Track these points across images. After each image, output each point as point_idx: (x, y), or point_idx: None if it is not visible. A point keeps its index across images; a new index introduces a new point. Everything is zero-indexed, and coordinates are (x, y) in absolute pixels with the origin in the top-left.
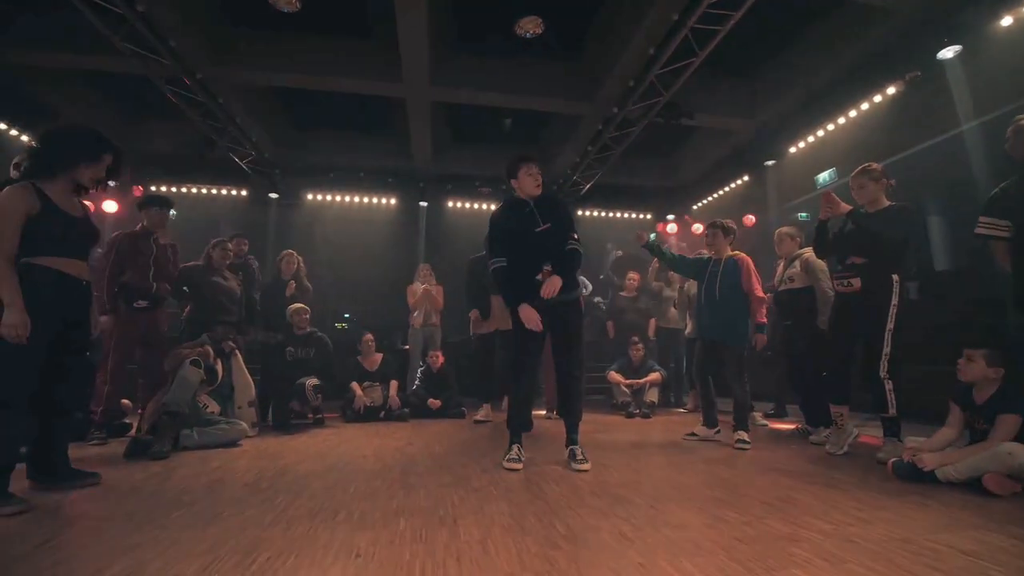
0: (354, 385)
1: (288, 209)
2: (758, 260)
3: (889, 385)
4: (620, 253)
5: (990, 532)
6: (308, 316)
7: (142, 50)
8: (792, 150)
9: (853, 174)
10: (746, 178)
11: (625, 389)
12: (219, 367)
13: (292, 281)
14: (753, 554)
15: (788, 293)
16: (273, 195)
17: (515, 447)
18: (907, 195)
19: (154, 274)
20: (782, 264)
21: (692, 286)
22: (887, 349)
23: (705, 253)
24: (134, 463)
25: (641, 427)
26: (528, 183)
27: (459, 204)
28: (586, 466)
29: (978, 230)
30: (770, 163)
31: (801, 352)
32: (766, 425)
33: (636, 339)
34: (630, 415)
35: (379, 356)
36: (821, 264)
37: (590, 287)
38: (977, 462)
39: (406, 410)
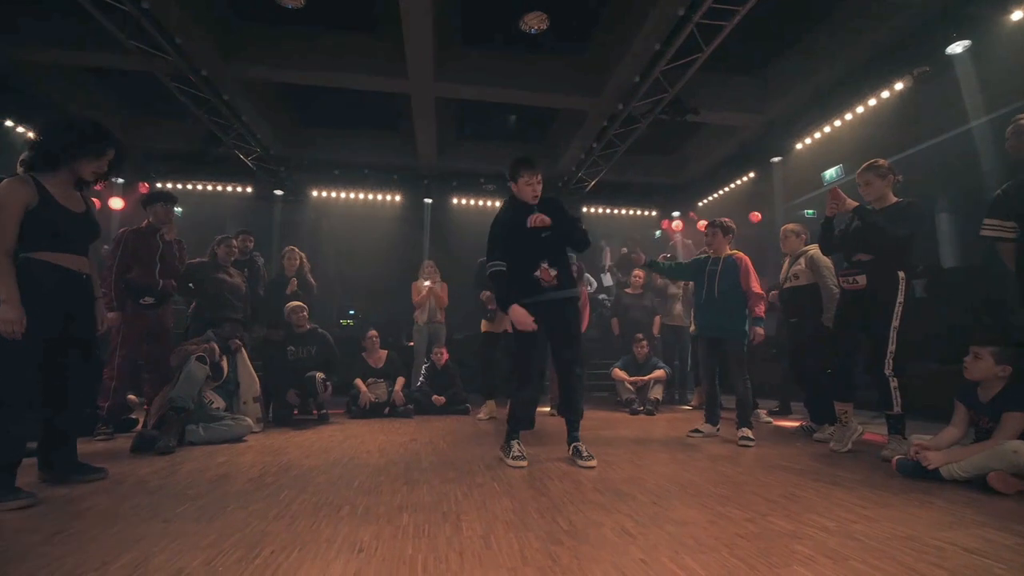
0: (358, 381)
1: (293, 206)
2: (764, 257)
3: (894, 383)
4: (625, 250)
5: (994, 530)
6: (306, 314)
7: (148, 47)
8: (799, 146)
9: (860, 170)
10: (752, 175)
11: (629, 386)
12: (224, 364)
13: (294, 279)
14: (756, 551)
15: (793, 291)
16: (278, 192)
17: (515, 444)
18: (915, 192)
19: (160, 270)
20: (787, 261)
21: None
22: (892, 347)
23: (706, 251)
24: (140, 458)
25: (645, 424)
26: (527, 192)
27: (464, 201)
28: (592, 463)
29: (983, 232)
30: (776, 160)
31: (806, 349)
32: (770, 422)
33: (640, 336)
34: (634, 412)
35: (384, 353)
36: (826, 261)
37: (595, 284)
38: (982, 460)
39: (410, 406)
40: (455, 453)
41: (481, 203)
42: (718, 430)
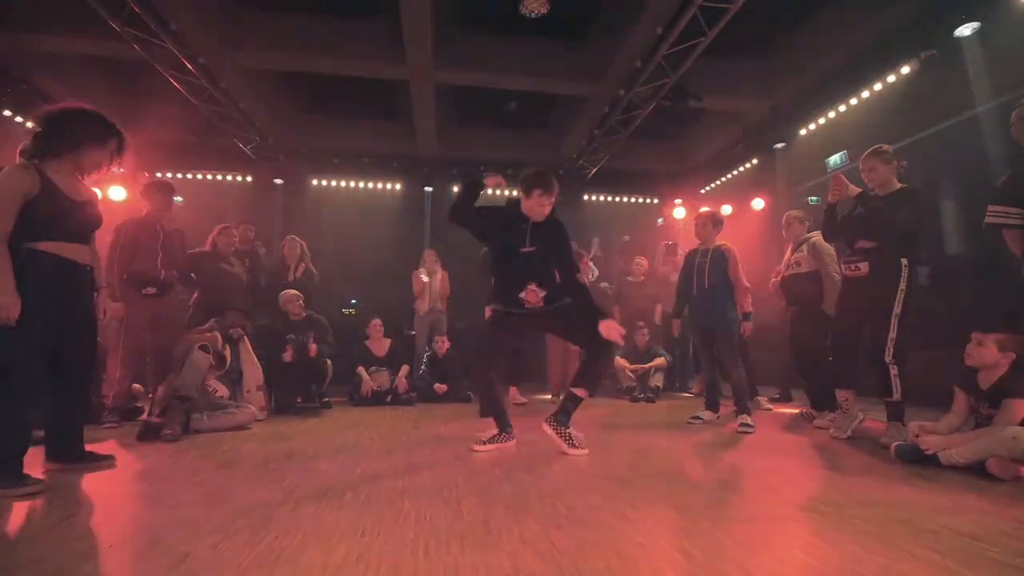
0: (361, 370)
1: (293, 195)
2: (766, 244)
3: (894, 370)
4: (627, 238)
5: (991, 515)
6: (302, 302)
7: (143, 34)
8: (802, 132)
9: (863, 156)
10: (755, 161)
11: (630, 374)
12: (227, 353)
13: (301, 263)
14: (753, 535)
15: (795, 277)
16: (278, 181)
17: (504, 433)
18: (920, 178)
19: (162, 260)
20: (790, 248)
21: None
22: (893, 334)
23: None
24: (146, 445)
25: (646, 411)
26: (535, 210)
27: None
28: (574, 451)
29: (988, 219)
30: (780, 146)
31: (807, 337)
32: (771, 409)
33: (641, 324)
34: (635, 399)
35: (388, 342)
36: (829, 248)
37: (596, 272)
38: (981, 446)
39: (413, 394)
40: (456, 440)
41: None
42: (718, 417)
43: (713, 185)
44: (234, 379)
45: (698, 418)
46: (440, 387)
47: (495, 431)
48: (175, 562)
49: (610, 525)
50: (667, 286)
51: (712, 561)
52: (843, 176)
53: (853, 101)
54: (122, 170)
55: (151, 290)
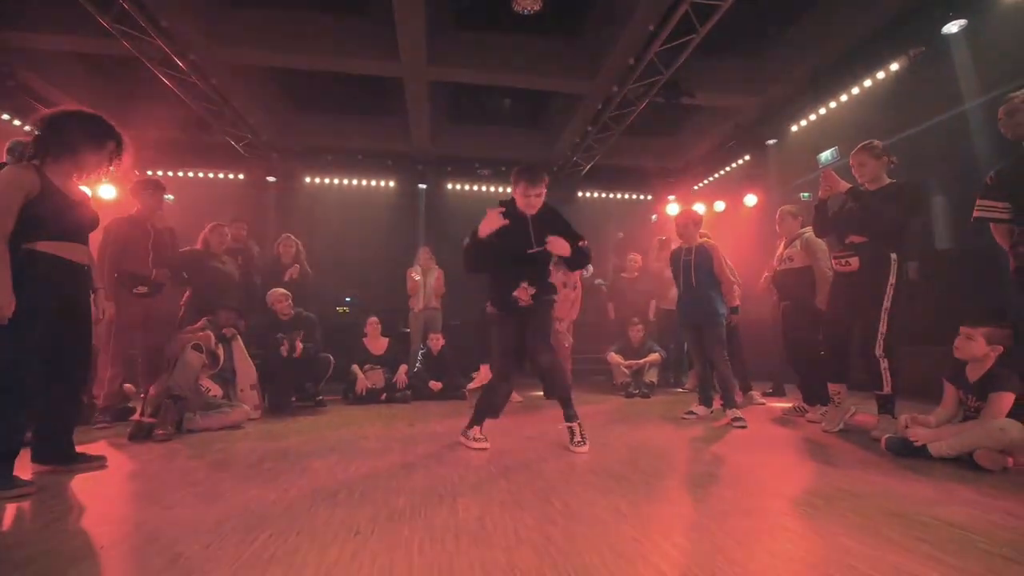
0: (355, 368)
1: (286, 192)
2: (758, 239)
3: (884, 363)
4: (622, 235)
5: (980, 506)
6: (291, 301)
7: (132, 31)
8: (794, 129)
9: (854, 152)
10: (747, 157)
11: (625, 370)
12: (220, 352)
13: (296, 265)
14: (746, 528)
15: (787, 272)
16: (271, 178)
17: (477, 429)
18: (909, 173)
19: (153, 259)
20: (783, 243)
21: None
22: (883, 328)
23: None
24: (138, 446)
25: (640, 407)
26: (521, 202)
27: (459, 186)
28: (583, 448)
29: (976, 213)
30: (772, 142)
31: (799, 331)
32: (764, 403)
33: (636, 320)
34: (630, 395)
35: (386, 341)
36: (822, 244)
37: (591, 268)
38: (969, 438)
39: (407, 392)
40: (451, 437)
41: (476, 188)
42: (711, 412)
43: (706, 181)
44: (227, 378)
45: (692, 413)
46: (435, 384)
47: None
48: (168, 563)
49: (605, 520)
50: (661, 282)
51: (705, 555)
52: (833, 172)
53: (844, 97)
54: (114, 169)
55: (142, 289)
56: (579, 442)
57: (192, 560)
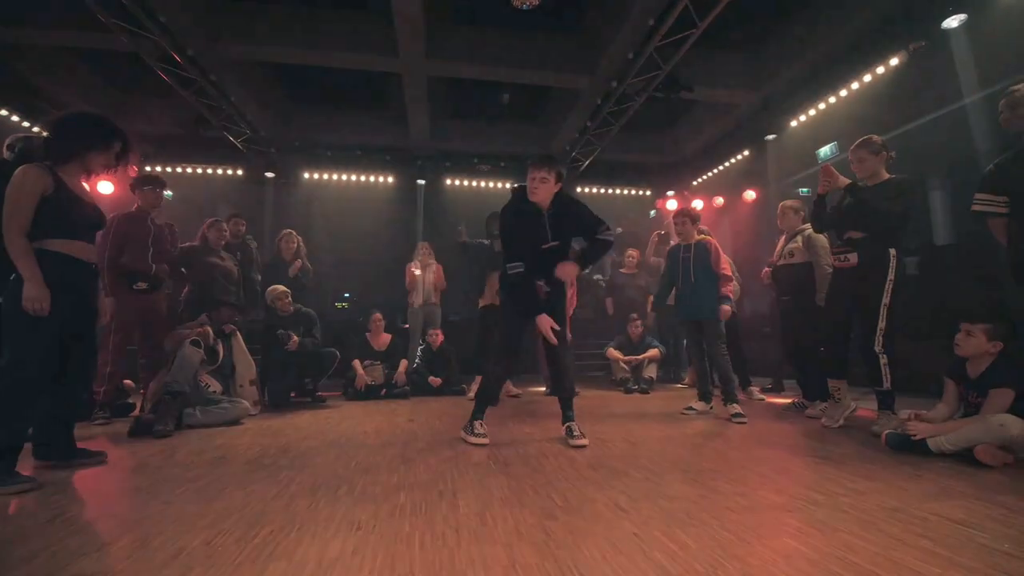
0: (356, 363)
1: (285, 188)
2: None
3: (883, 359)
4: (620, 230)
5: (980, 501)
6: (290, 298)
7: (131, 26)
8: (793, 124)
9: (853, 147)
10: (747, 153)
11: (624, 366)
12: (219, 347)
13: (298, 261)
14: (746, 524)
15: (787, 268)
16: (269, 174)
17: (478, 423)
18: (909, 168)
19: (153, 255)
20: (783, 238)
21: None
22: (882, 324)
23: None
24: (138, 441)
25: (639, 402)
26: (537, 191)
27: (457, 182)
28: (583, 441)
29: (975, 207)
30: (771, 137)
31: (799, 327)
32: (763, 399)
33: (635, 316)
34: (629, 391)
35: (388, 337)
36: (823, 241)
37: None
38: (969, 433)
39: (407, 387)
40: (451, 433)
41: (475, 183)
42: (711, 407)
43: (705, 176)
44: (227, 374)
45: (691, 409)
46: (435, 380)
47: (479, 423)
48: (169, 558)
49: (605, 516)
50: (659, 277)
51: (705, 550)
52: (832, 167)
53: (843, 92)
54: (122, 169)
55: (142, 285)
56: (578, 435)
57: (193, 556)
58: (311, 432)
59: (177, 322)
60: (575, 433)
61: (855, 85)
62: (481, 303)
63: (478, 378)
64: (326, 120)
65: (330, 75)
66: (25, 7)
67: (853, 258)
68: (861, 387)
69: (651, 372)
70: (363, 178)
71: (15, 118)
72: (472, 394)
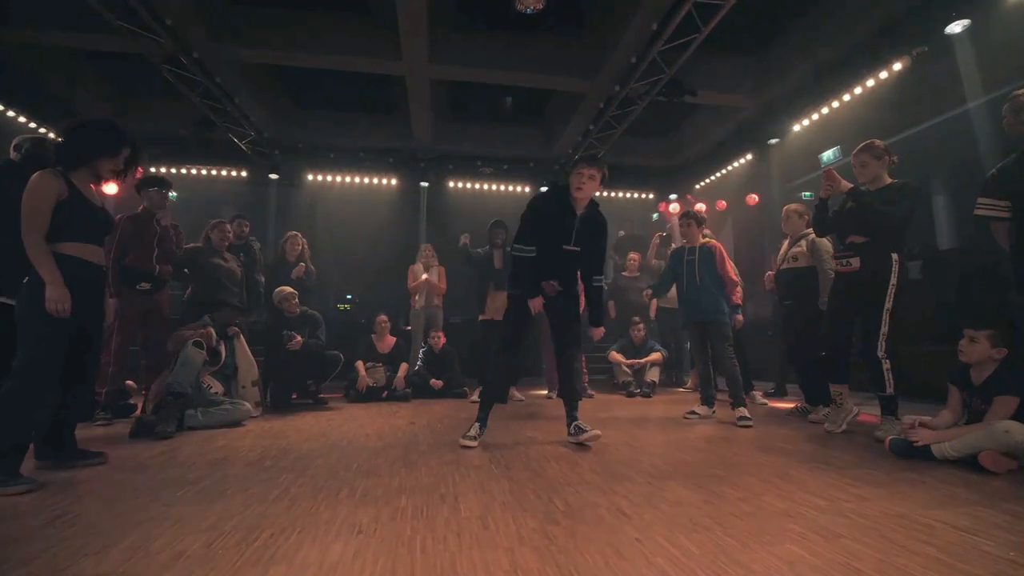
0: (359, 364)
1: (289, 190)
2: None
3: (886, 364)
4: (623, 233)
5: (984, 508)
6: (296, 300)
7: (137, 28)
8: (796, 128)
9: (855, 151)
10: (749, 157)
11: (626, 369)
12: (222, 348)
13: (302, 264)
14: (749, 529)
15: (790, 272)
16: (273, 176)
17: (476, 426)
18: (912, 173)
19: (157, 256)
20: (787, 242)
21: None
22: (885, 329)
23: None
24: (140, 443)
25: (642, 406)
26: (577, 188)
27: (460, 184)
28: (593, 432)
29: (977, 211)
30: (774, 141)
31: (801, 332)
32: (766, 404)
33: (637, 319)
34: (631, 394)
35: (393, 340)
36: (827, 246)
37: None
38: (973, 440)
39: (408, 390)
40: (453, 436)
41: (478, 186)
42: (714, 412)
43: (708, 180)
44: (229, 375)
45: (694, 413)
46: (436, 383)
47: (477, 426)
48: (169, 561)
49: (607, 521)
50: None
51: (708, 555)
52: (835, 171)
53: (846, 97)
54: (133, 174)
55: (145, 285)
56: (587, 429)
57: (193, 558)
58: (312, 434)
59: (180, 322)
60: (584, 428)
61: (858, 90)
62: (481, 317)
63: (479, 389)
64: (330, 122)
65: (334, 78)
66: (32, 9)
67: (855, 262)
68: (864, 392)
69: (653, 376)
70: (366, 180)
71: (22, 119)
72: (475, 396)
